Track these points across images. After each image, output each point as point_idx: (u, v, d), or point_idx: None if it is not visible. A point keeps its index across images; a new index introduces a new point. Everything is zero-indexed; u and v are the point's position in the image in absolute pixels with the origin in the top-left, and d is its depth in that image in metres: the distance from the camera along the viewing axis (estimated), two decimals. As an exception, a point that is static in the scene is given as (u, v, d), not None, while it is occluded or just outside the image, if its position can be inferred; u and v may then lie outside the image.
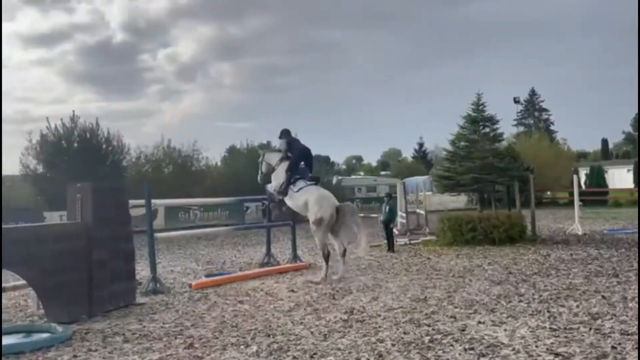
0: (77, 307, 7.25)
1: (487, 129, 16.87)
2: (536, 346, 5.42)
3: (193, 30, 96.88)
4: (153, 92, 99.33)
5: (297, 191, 9.97)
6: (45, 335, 6.37)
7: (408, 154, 75.83)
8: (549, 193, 35.88)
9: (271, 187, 10.57)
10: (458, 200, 28.53)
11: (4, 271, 8.20)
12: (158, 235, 10.28)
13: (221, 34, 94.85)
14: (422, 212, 19.27)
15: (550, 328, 6.07)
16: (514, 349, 5.34)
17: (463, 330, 6.09)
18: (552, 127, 64.05)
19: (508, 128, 54.34)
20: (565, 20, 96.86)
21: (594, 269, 10.10)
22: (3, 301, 8.70)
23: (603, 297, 7.59)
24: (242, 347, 5.76)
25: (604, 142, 68.67)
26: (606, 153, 65.98)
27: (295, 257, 12.27)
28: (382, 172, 63.37)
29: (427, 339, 5.78)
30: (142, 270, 10.44)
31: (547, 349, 5.31)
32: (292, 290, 8.92)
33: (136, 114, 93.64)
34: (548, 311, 6.87)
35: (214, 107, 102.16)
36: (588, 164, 43.25)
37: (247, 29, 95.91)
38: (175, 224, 23.99)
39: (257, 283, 9.72)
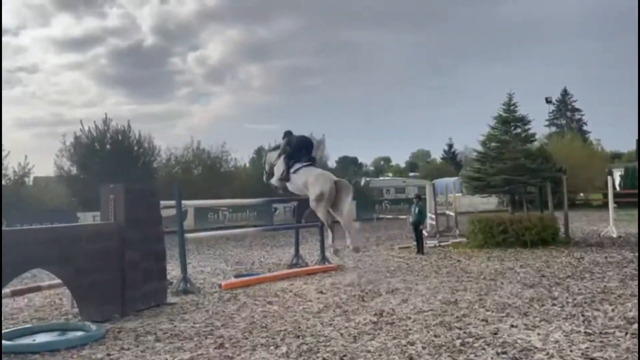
0: (110, 306, 7.37)
1: (519, 130, 16.62)
2: (570, 351, 5.31)
3: (222, 33, 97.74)
4: (183, 95, 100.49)
5: (295, 172, 10.02)
6: (79, 333, 6.49)
7: (437, 154, 75.14)
8: (582, 195, 35.12)
9: (274, 179, 10.65)
10: (489, 202, 28.17)
11: (39, 270, 8.42)
12: (188, 235, 10.40)
13: (249, 36, 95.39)
14: (452, 213, 19.09)
15: (585, 332, 5.94)
16: (547, 354, 5.24)
17: (495, 333, 6.00)
18: (585, 128, 62.73)
19: (540, 128, 53.43)
20: (601, 18, 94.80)
21: (630, 272, 9.86)
22: (39, 300, 8.92)
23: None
24: (271, 347, 5.77)
25: (640, 142, 66.98)
26: (641, 154, 64.33)
27: (323, 258, 12.25)
28: (411, 174, 62.94)
29: (458, 342, 5.72)
30: (172, 270, 10.56)
31: (582, 354, 5.20)
32: (321, 292, 8.92)
33: (166, 116, 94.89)
34: (582, 315, 6.73)
35: (242, 109, 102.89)
36: (622, 165, 42.21)
37: (275, 31, 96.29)
38: (205, 224, 24.27)
39: (286, 284, 9.75)
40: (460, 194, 25.63)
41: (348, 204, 9.33)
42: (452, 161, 63.27)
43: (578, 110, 65.46)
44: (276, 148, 11.05)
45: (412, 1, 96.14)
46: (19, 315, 7.91)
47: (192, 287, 9.39)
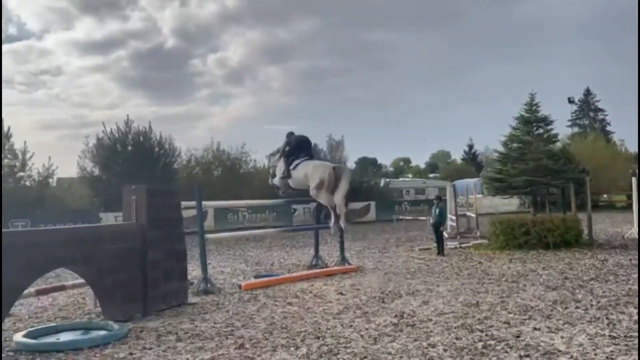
0: (132, 306, 7.44)
1: (541, 130, 16.41)
2: (595, 354, 5.23)
3: (242, 35, 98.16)
4: (203, 96, 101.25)
5: (294, 168, 10.09)
6: (102, 332, 6.56)
7: (457, 155, 74.56)
8: (605, 196, 34.61)
9: (276, 179, 10.72)
10: (510, 203, 27.86)
11: (63, 270, 8.53)
12: (208, 236, 10.45)
13: (269, 37, 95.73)
14: (473, 215, 18.94)
15: (610, 335, 5.84)
16: (571, 357, 5.16)
17: (518, 336, 5.93)
18: (608, 128, 61.79)
19: (562, 129, 52.73)
20: (621, 18, 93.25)
21: (656, 275, 9.68)
22: (63, 299, 9.05)
23: (666, 304, 7.25)
24: (292, 348, 5.77)
25: (665, 142, 65.78)
26: (667, 154, 63.16)
27: (343, 259, 12.24)
28: (431, 175, 62.64)
29: (480, 344, 5.66)
30: (193, 271, 10.64)
31: (607, 357, 5.12)
32: (341, 293, 8.90)
33: (187, 118, 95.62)
34: (607, 318, 6.62)
35: (262, 110, 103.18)
36: (647, 166, 41.50)
37: (295, 33, 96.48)
38: (224, 225, 24.41)
39: (306, 285, 9.75)
40: (480, 195, 25.37)
41: (343, 186, 9.52)
42: (472, 162, 62.64)
43: (601, 110, 64.50)
44: (278, 151, 11.17)
45: (431, 1, 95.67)
46: (43, 314, 8.04)
47: (213, 287, 9.45)
